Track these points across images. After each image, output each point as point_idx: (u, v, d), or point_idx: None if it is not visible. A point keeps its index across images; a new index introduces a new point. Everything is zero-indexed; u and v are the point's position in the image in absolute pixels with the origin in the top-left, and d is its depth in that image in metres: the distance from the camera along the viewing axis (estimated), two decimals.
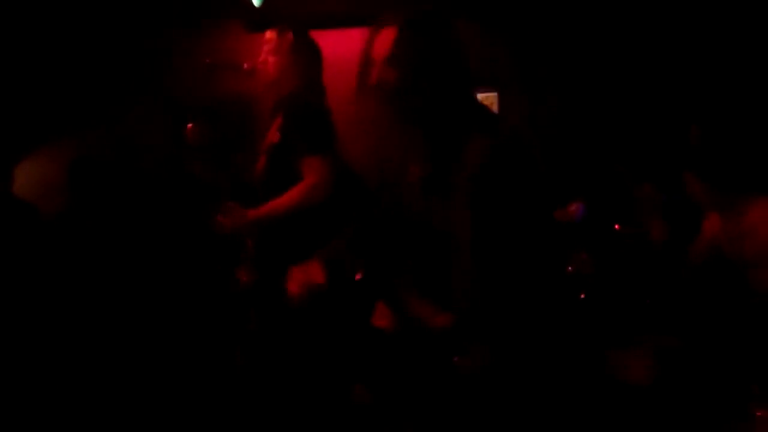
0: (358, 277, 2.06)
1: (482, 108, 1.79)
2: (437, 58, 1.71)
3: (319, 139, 2.58)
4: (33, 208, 4.06)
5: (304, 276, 2.40)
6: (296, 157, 2.55)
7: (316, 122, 2.61)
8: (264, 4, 4.49)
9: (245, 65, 2.80)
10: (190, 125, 2.75)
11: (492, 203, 1.53)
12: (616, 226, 3.07)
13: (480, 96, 6.16)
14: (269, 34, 2.79)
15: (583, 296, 2.40)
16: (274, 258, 2.59)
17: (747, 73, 4.46)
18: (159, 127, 5.42)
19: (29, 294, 3.71)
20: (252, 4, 4.44)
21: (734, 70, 4.57)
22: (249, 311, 2.66)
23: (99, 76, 5.32)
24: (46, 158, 5.27)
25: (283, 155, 2.59)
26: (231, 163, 2.90)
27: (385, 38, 1.77)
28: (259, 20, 5.06)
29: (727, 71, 4.60)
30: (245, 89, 3.33)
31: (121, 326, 3.84)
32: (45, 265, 3.91)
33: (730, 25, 4.74)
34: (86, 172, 4.33)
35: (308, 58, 2.77)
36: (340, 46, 5.24)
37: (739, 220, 2.43)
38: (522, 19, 5.48)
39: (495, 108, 6.12)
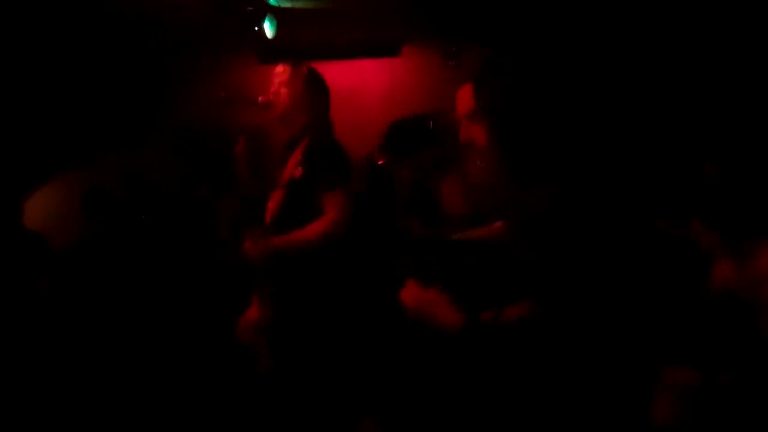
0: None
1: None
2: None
3: (341, 174, 2.59)
4: (41, 238, 4.08)
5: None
6: (318, 193, 2.56)
7: (337, 158, 2.62)
8: (277, 36, 4.52)
9: (260, 98, 2.79)
10: (242, 139, 2.76)
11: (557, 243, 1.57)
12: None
13: None
14: (281, 68, 2.79)
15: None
16: (294, 294, 2.57)
17: (763, 108, 4.44)
18: (171, 158, 5.47)
19: (40, 322, 3.71)
20: (266, 36, 4.47)
21: (750, 104, 4.55)
22: (261, 351, 2.63)
23: (113, 107, 5.37)
24: (59, 189, 5.31)
25: (304, 190, 2.59)
26: (241, 190, 2.91)
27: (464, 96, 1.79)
28: (272, 52, 5.11)
29: (744, 105, 4.57)
30: (259, 122, 3.33)
31: (133, 356, 3.83)
32: (56, 294, 3.92)
33: (746, 56, 4.73)
34: (99, 202, 4.36)
35: (320, 93, 2.79)
36: (348, 78, 5.32)
37: (752, 266, 2.38)
38: (535, 50, 5.50)
39: None
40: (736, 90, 4.71)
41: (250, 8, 4.34)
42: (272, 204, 2.72)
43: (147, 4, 4.17)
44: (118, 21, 4.69)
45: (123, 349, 3.84)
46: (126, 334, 3.89)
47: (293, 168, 2.65)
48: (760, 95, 4.54)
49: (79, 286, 4.03)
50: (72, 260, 4.16)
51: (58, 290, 3.94)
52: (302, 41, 5.02)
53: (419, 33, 5.52)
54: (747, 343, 2.35)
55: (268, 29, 4.46)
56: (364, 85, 5.62)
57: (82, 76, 5.26)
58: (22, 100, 5.02)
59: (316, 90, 2.79)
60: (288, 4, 4.43)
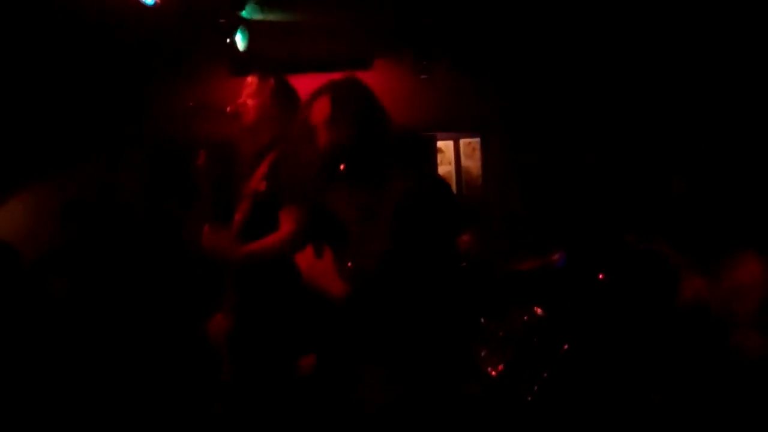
0: None
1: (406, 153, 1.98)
2: (368, 113, 1.93)
3: (299, 190, 2.60)
4: (10, 248, 4.03)
5: None
6: (278, 207, 2.58)
7: (298, 174, 2.64)
8: (248, 49, 4.52)
9: (228, 108, 2.79)
10: (203, 153, 2.74)
11: (407, 237, 1.73)
12: (600, 276, 3.05)
13: (463, 141, 6.25)
14: (250, 79, 2.80)
15: (566, 347, 2.37)
16: (254, 305, 2.58)
17: (731, 125, 4.52)
18: (141, 168, 5.44)
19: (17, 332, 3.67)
20: (238, 49, 4.46)
21: (720, 120, 4.64)
22: (223, 360, 2.64)
23: (83, 119, 5.33)
24: (29, 199, 5.27)
25: (267, 203, 2.60)
26: (203, 203, 2.90)
27: (321, 106, 1.96)
28: (244, 65, 5.10)
29: (714, 120, 4.66)
30: (228, 132, 3.33)
31: (104, 365, 3.81)
32: (29, 305, 3.87)
33: (718, 74, 4.82)
34: (79, 213, 4.32)
35: (289, 104, 2.79)
36: None
37: (725, 279, 2.42)
38: (505, 65, 5.56)
39: (478, 152, 6.20)
40: (706, 106, 4.80)
41: (223, 20, 4.34)
42: (239, 215, 2.73)
43: (120, 16, 4.15)
44: (91, 32, 4.66)
45: (91, 354, 3.82)
46: (95, 341, 3.86)
47: (258, 181, 2.66)
48: (730, 113, 4.64)
49: (50, 296, 3.99)
50: (43, 271, 4.12)
51: (25, 300, 3.90)
52: (274, 54, 5.02)
53: (391, 47, 5.55)
54: (717, 359, 2.39)
55: (240, 42, 4.46)
56: None
57: (54, 88, 5.22)
58: None
59: (284, 101, 2.78)
60: (260, 17, 4.44)
